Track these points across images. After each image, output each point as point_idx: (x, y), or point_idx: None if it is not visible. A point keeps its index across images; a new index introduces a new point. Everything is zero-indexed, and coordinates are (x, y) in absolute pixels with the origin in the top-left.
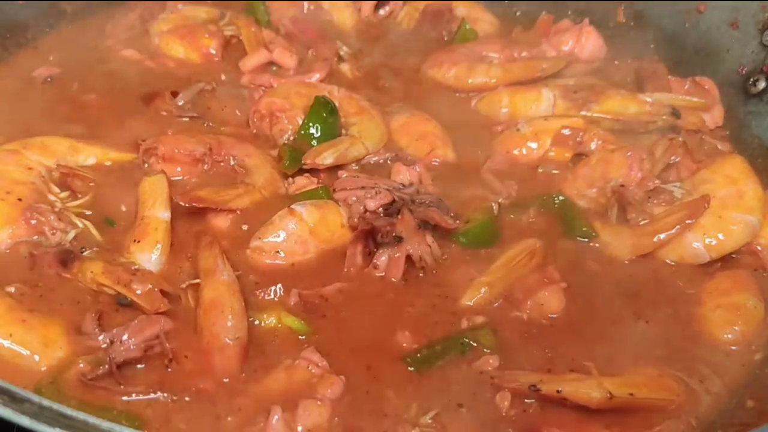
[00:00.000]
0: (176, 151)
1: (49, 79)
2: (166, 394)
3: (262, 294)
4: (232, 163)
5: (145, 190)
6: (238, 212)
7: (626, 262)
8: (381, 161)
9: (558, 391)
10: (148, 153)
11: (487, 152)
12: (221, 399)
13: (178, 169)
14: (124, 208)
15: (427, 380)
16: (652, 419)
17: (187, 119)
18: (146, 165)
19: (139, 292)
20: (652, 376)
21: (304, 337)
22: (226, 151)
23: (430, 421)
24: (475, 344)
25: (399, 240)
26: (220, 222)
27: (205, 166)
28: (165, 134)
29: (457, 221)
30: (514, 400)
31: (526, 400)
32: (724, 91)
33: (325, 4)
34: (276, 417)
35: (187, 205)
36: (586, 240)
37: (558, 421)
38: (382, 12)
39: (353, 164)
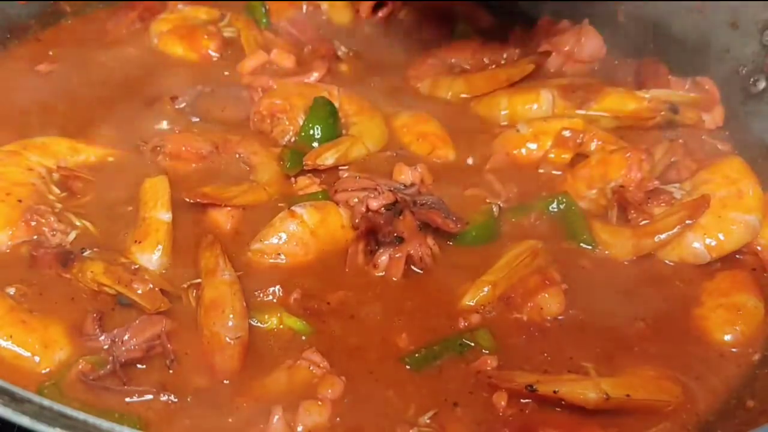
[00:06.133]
0: (183, 148)
1: (48, 79)
2: (167, 395)
3: (263, 295)
4: (237, 156)
5: (146, 191)
6: (241, 210)
7: (626, 262)
8: (382, 161)
9: (555, 392)
10: (156, 151)
11: (487, 153)
12: (222, 399)
13: (186, 168)
14: (124, 209)
15: (426, 380)
16: (649, 420)
17: (197, 120)
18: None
19: (139, 291)
20: (650, 377)
21: (305, 337)
22: (232, 148)
23: (428, 421)
24: (473, 345)
25: (400, 240)
26: (222, 222)
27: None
28: (172, 132)
29: (459, 225)
30: (511, 400)
31: (522, 401)
32: (724, 91)
33: (324, 4)
34: (276, 417)
35: (192, 201)
36: (589, 248)
37: (555, 422)
38: (380, 13)
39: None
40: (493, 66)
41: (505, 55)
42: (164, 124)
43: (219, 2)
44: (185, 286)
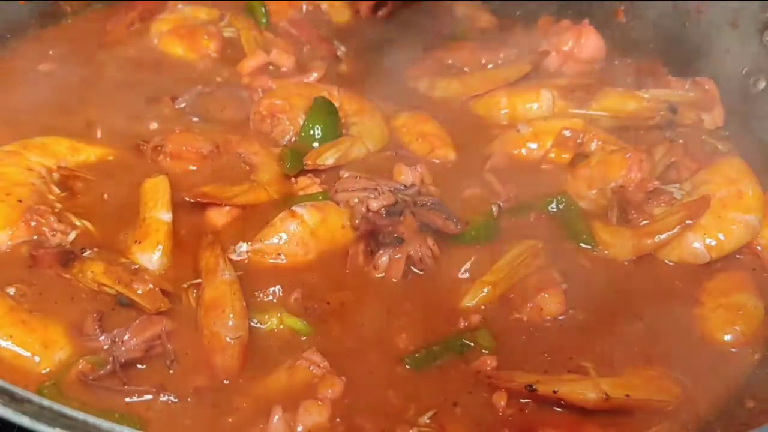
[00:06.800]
0: (184, 148)
1: (48, 78)
2: (167, 395)
3: (263, 295)
4: (238, 156)
5: (146, 191)
6: (241, 209)
7: (626, 262)
8: (382, 161)
9: (554, 392)
10: (156, 151)
11: (487, 153)
12: (222, 399)
13: (186, 168)
14: (124, 209)
15: (426, 380)
16: (649, 420)
17: (197, 120)
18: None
19: (139, 291)
20: (650, 377)
21: (305, 337)
22: (232, 148)
23: (428, 421)
24: (473, 345)
25: (400, 241)
26: (222, 222)
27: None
28: (172, 132)
29: (459, 226)
30: (510, 400)
31: (522, 401)
32: (724, 91)
33: (324, 4)
34: (276, 417)
35: (192, 201)
36: (588, 247)
37: (554, 422)
38: (380, 13)
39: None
40: (491, 66)
41: (502, 55)
42: (164, 124)
43: (219, 2)
44: (185, 286)
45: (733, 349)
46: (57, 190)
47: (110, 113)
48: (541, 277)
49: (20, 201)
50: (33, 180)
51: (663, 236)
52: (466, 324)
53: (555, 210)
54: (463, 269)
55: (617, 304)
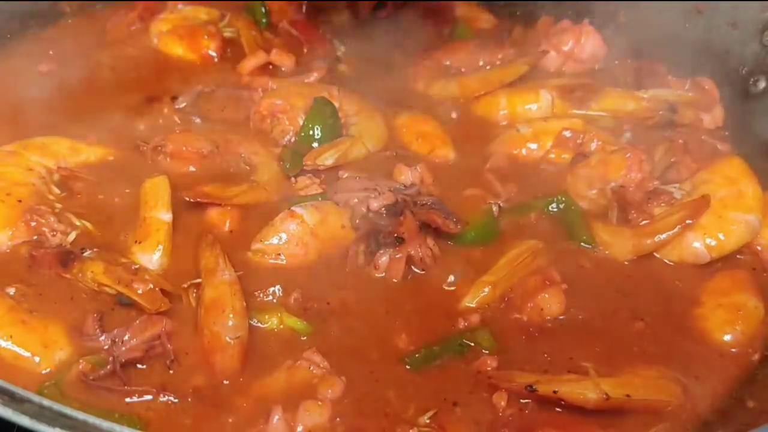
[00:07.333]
0: (184, 148)
1: (48, 78)
2: (167, 395)
3: (263, 295)
4: (238, 156)
5: (146, 191)
6: (241, 209)
7: (626, 262)
8: (382, 161)
9: (554, 392)
10: (156, 151)
11: (487, 153)
12: (222, 399)
13: (186, 168)
14: (125, 209)
15: (426, 380)
16: (649, 420)
17: (197, 120)
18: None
19: (140, 291)
20: (650, 377)
21: (305, 337)
22: (232, 148)
23: (428, 421)
24: (473, 345)
25: (400, 241)
26: (222, 222)
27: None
28: (172, 132)
29: (459, 225)
30: (510, 400)
31: (522, 401)
32: (724, 91)
33: (324, 4)
34: (276, 417)
35: (192, 201)
36: (588, 247)
37: (555, 422)
38: (380, 13)
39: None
40: (489, 67)
41: (500, 56)
42: (164, 124)
43: (219, 2)
44: (185, 286)
45: (733, 349)
46: (57, 191)
47: (110, 113)
48: (541, 276)
49: (20, 201)
50: (33, 180)
51: (663, 236)
52: (466, 324)
53: (555, 210)
54: (463, 269)
55: (617, 304)
